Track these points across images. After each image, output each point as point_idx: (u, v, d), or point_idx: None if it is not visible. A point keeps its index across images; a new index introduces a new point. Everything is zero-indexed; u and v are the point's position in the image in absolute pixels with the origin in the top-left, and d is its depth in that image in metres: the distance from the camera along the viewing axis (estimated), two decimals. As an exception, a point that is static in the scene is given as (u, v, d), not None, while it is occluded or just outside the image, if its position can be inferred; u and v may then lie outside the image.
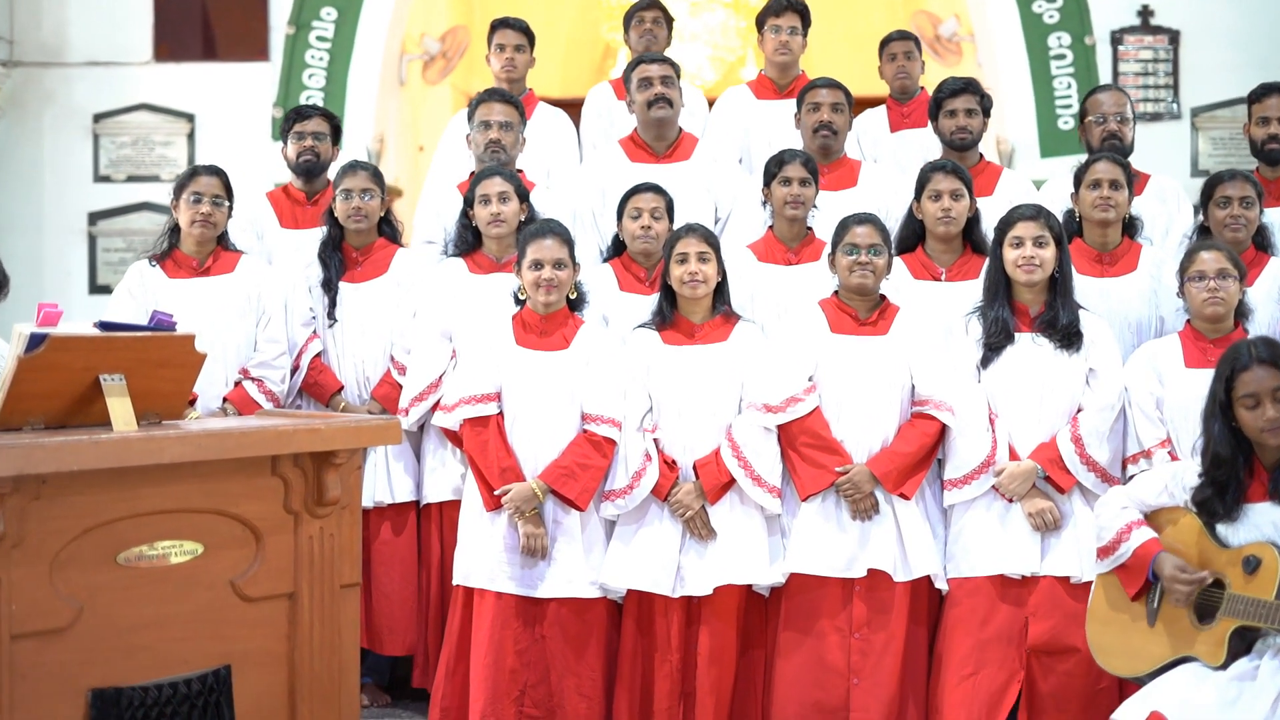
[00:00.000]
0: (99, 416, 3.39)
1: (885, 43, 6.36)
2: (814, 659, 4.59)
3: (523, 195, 5.16)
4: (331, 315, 5.26)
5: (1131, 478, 4.44)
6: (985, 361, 4.63)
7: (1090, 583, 4.25)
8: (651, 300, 4.85)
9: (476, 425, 4.66)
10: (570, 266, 4.71)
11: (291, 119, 5.63)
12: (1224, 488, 3.68)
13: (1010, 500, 4.57)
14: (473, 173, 5.47)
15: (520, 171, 5.50)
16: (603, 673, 4.66)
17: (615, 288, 5.04)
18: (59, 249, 9.15)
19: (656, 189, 5.03)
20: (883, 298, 4.71)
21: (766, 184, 5.07)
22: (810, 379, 4.64)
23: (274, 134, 8.31)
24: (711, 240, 4.71)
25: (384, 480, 5.12)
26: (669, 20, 6.40)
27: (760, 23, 6.16)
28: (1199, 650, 3.67)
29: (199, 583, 3.45)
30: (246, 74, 9.12)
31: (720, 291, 4.74)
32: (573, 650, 4.62)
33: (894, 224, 5.05)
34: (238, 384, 5.11)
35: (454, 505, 4.96)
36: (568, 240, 4.74)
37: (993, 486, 4.58)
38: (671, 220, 5.02)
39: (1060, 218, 4.81)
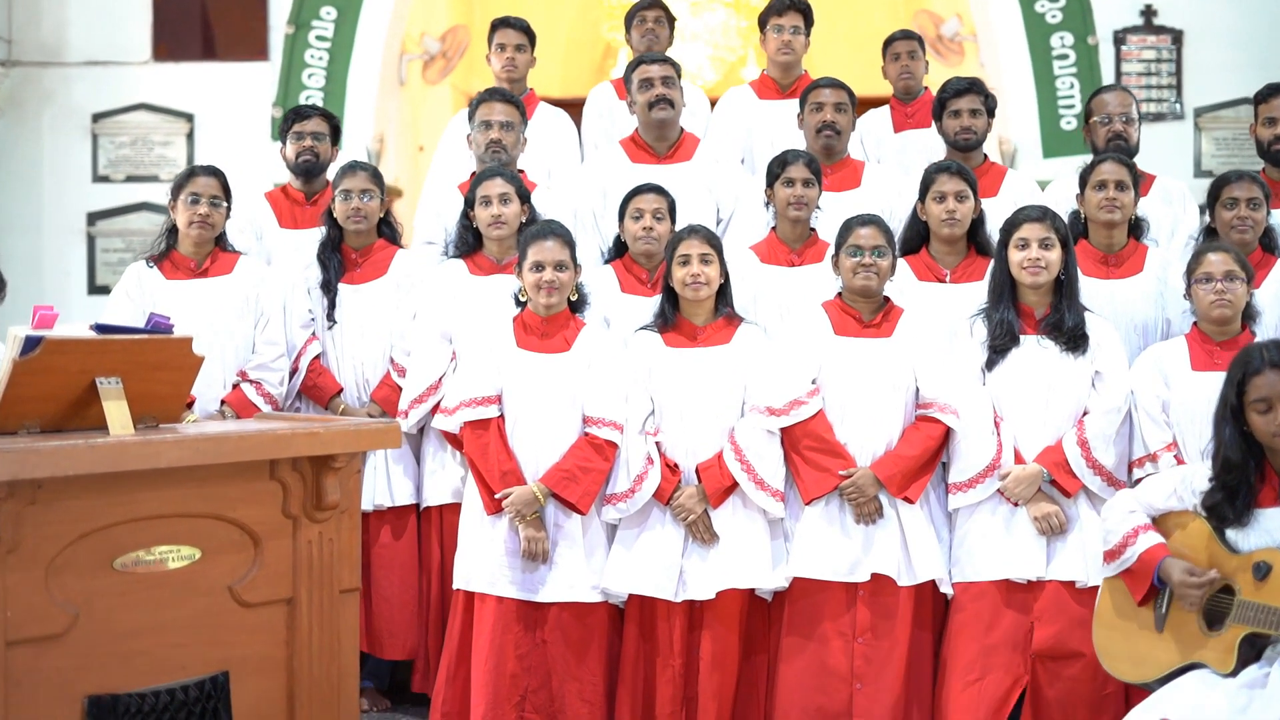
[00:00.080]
0: (95, 420, 3.35)
1: (889, 42, 6.33)
2: (817, 664, 4.56)
3: (524, 196, 5.12)
4: (331, 317, 5.23)
5: (1138, 481, 4.42)
6: (990, 364, 4.59)
7: (1096, 587, 4.23)
8: (653, 302, 4.81)
9: (477, 428, 4.63)
10: (572, 268, 4.68)
11: (290, 119, 5.60)
12: (1235, 492, 3.64)
13: (1015, 504, 4.53)
14: (473, 173, 5.43)
15: (522, 172, 5.47)
16: (604, 678, 4.63)
17: (617, 289, 5.01)
18: (58, 249, 9.12)
19: (658, 190, 5.00)
20: (886, 300, 4.68)
21: (769, 185, 5.04)
22: (813, 381, 4.60)
23: (273, 134, 8.29)
24: (714, 242, 4.68)
25: (384, 483, 5.09)
26: (671, 20, 6.37)
27: (762, 22, 6.13)
28: (1208, 657, 3.63)
29: (196, 588, 3.41)
30: (246, 74, 9.09)
31: (723, 293, 4.71)
32: (574, 655, 4.59)
33: (897, 225, 5.02)
34: (236, 386, 5.08)
35: (454, 508, 4.93)
36: (569, 242, 4.71)
37: (998, 490, 4.55)
38: (673, 221, 4.99)
39: (1065, 219, 4.77)
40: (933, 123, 5.62)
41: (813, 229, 5.07)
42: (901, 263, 4.84)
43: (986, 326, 4.61)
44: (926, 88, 6.21)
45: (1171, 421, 4.52)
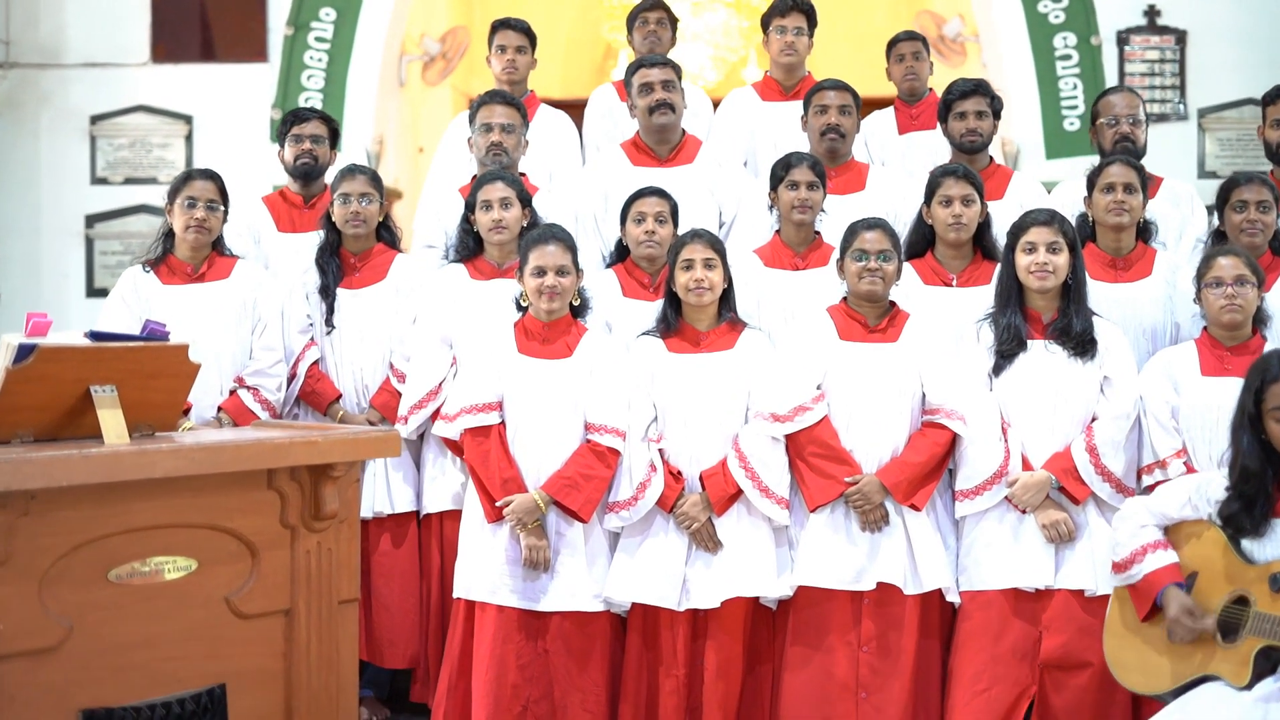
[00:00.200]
0: (90, 429, 3.31)
1: (893, 44, 6.29)
2: (822, 673, 4.51)
3: (525, 200, 5.07)
4: (329, 322, 5.17)
5: (1147, 488, 4.38)
6: (997, 369, 4.54)
7: (1105, 595, 4.19)
8: (655, 307, 4.76)
9: (478, 435, 4.58)
10: (573, 273, 4.63)
11: (289, 122, 5.55)
12: (1252, 502, 3.60)
13: (1023, 511, 4.49)
14: (474, 176, 5.38)
15: (523, 175, 5.42)
16: (607, 687, 4.58)
17: (618, 294, 4.96)
18: (56, 252, 9.08)
19: (660, 193, 4.95)
20: (892, 304, 4.63)
21: (773, 187, 4.99)
22: (818, 387, 4.56)
23: (273, 135, 8.25)
24: (717, 246, 4.63)
25: (383, 491, 5.04)
26: (673, 21, 6.32)
27: (765, 23, 6.08)
28: (1222, 669, 3.58)
29: (193, 600, 3.37)
30: (245, 75, 9.05)
31: (726, 298, 4.66)
32: (576, 664, 4.54)
33: (902, 228, 4.97)
34: (233, 393, 5.03)
35: (454, 515, 4.88)
36: (571, 246, 4.66)
37: (1005, 498, 4.50)
38: (676, 225, 4.94)
39: (1072, 221, 4.72)
40: (938, 124, 5.57)
41: (817, 232, 5.02)
42: (907, 267, 4.79)
43: (993, 331, 4.56)
44: (931, 89, 6.17)
45: (1181, 428, 4.47)
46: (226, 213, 5.12)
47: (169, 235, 5.09)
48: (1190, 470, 4.38)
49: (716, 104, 6.25)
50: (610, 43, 12.30)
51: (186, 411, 4.61)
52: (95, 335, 3.39)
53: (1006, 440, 4.51)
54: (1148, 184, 4.98)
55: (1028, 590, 4.46)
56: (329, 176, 5.49)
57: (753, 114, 5.98)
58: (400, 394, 5.07)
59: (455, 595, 4.66)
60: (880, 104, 6.29)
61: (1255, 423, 3.61)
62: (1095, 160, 5.29)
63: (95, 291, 8.89)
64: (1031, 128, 8.83)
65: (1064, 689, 4.43)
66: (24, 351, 3.19)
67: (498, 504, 4.51)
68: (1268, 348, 4.40)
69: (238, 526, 3.45)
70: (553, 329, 4.63)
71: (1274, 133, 5.45)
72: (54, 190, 9.07)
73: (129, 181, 9.06)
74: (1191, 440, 4.45)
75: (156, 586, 3.31)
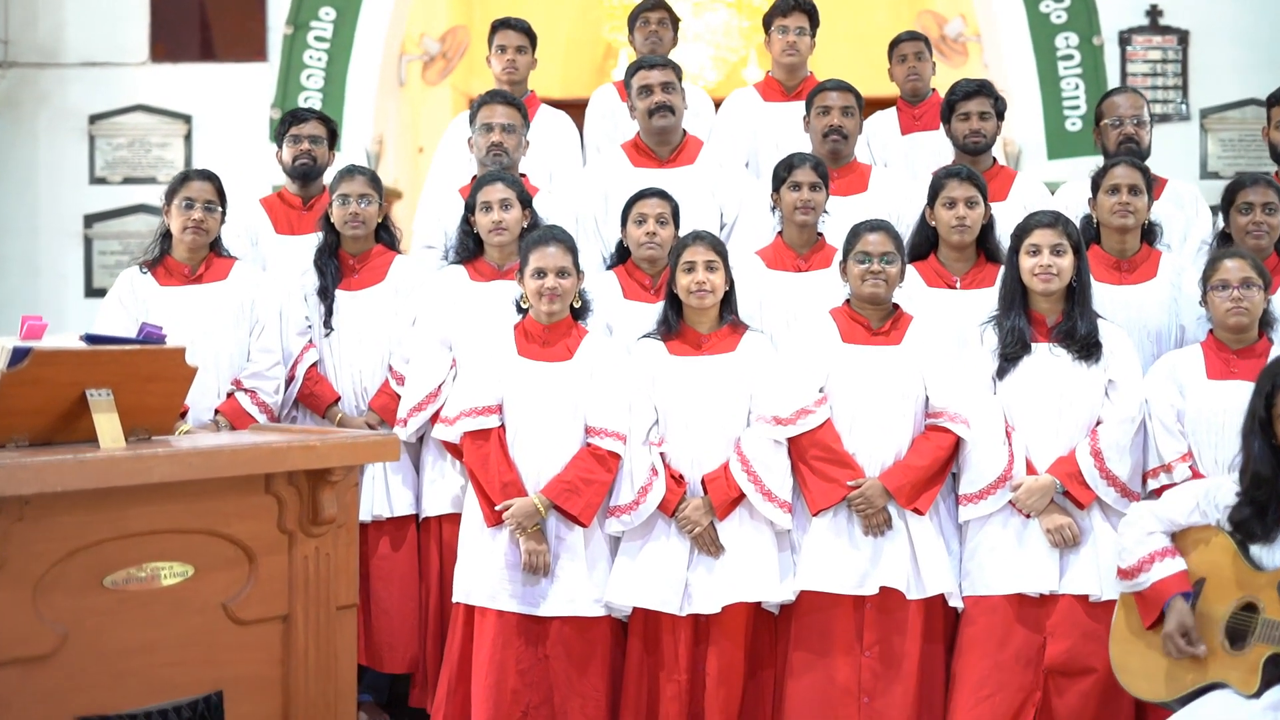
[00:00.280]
0: (86, 433, 3.28)
1: (895, 44, 6.25)
2: (825, 679, 4.48)
3: (525, 201, 5.04)
4: (328, 324, 5.14)
5: (1153, 493, 4.35)
6: (1001, 373, 4.50)
7: (1110, 601, 4.16)
8: (656, 309, 4.73)
9: (477, 438, 4.55)
10: (574, 275, 4.60)
11: (287, 122, 5.52)
12: (1264, 508, 3.57)
13: (1028, 516, 4.45)
14: (474, 177, 5.35)
15: (524, 176, 5.38)
16: (607, 693, 4.55)
17: (619, 296, 4.93)
18: (54, 252, 9.06)
19: (662, 194, 4.92)
20: (895, 307, 4.60)
21: (776, 189, 4.96)
22: (821, 390, 4.52)
23: (272, 135, 8.22)
24: (719, 248, 4.60)
25: (382, 494, 5.00)
26: (675, 21, 6.28)
27: (767, 23, 6.04)
28: (1230, 677, 3.55)
29: (189, 605, 3.34)
30: (244, 75, 9.03)
31: (727, 300, 4.63)
32: (576, 670, 4.51)
33: (905, 229, 4.94)
34: (230, 395, 4.99)
35: (454, 519, 4.84)
36: (571, 248, 4.63)
37: (1009, 502, 4.46)
38: (677, 226, 4.91)
39: (1077, 223, 4.69)
40: (941, 125, 5.54)
41: (820, 234, 4.99)
42: (911, 269, 4.76)
43: (997, 334, 4.53)
44: (934, 89, 6.14)
45: (1186, 431, 4.44)
46: (224, 214, 5.08)
47: (166, 236, 5.05)
48: (1196, 474, 4.35)
49: (718, 104, 6.22)
50: (610, 43, 12.29)
51: (183, 414, 4.57)
52: (91, 338, 3.36)
53: (1010, 444, 4.48)
54: (1153, 185, 4.94)
55: (1032, 595, 4.43)
56: (328, 177, 5.45)
57: (754, 115, 5.94)
58: (399, 396, 5.04)
59: (454, 600, 4.63)
60: (882, 104, 6.25)
61: (1266, 428, 3.58)
62: (1097, 161, 5.27)
63: (94, 292, 8.87)
64: (1033, 128, 8.81)
65: (1068, 694, 4.39)
66: (19, 355, 3.15)
67: (497, 508, 4.48)
68: (1274, 351, 4.38)
69: (235, 532, 3.41)
70: (553, 331, 4.60)
71: (1279, 134, 5.41)
72: (52, 190, 9.05)
73: (128, 181, 9.04)
74: (1197, 444, 4.41)
75: (152, 592, 3.27)
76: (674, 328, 4.62)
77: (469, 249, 5.09)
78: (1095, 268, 4.72)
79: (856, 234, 4.56)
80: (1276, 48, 8.66)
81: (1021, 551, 4.44)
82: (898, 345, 4.54)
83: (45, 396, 3.23)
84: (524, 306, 4.65)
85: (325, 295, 5.13)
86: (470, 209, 5.05)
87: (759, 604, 4.55)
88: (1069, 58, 8.81)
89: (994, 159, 5.51)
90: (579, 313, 4.67)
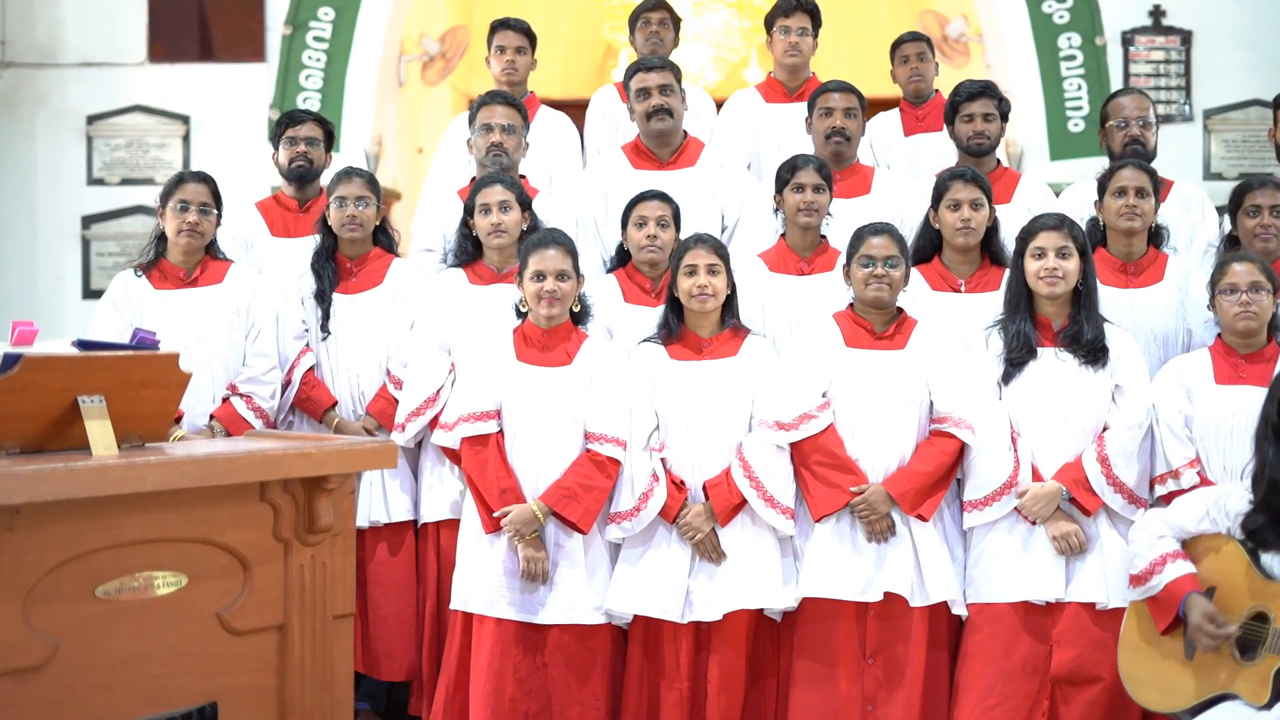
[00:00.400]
0: (78, 440, 3.21)
1: (897, 45, 6.20)
2: (828, 686, 4.43)
3: (525, 203, 4.99)
4: (325, 328, 5.09)
5: (1160, 499, 4.30)
6: (1007, 377, 4.46)
7: (1118, 609, 4.12)
8: (657, 312, 4.68)
9: (475, 444, 4.50)
10: (574, 278, 4.55)
11: (283, 124, 5.47)
12: (1277, 515, 3.51)
13: (1033, 523, 4.40)
14: (473, 178, 5.30)
15: (523, 178, 5.34)
16: (607, 702, 4.50)
17: (619, 299, 4.88)
18: (52, 253, 9.05)
19: (662, 196, 4.87)
20: (899, 311, 4.55)
21: (778, 190, 4.91)
22: (824, 395, 4.48)
23: (270, 136, 8.21)
24: (721, 251, 4.55)
25: (380, 499, 4.95)
26: (676, 21, 6.23)
27: (769, 23, 6.00)
28: (1240, 688, 3.51)
29: (183, 615, 3.27)
30: (242, 75, 9.02)
31: (729, 304, 4.58)
32: (576, 678, 4.46)
33: (909, 232, 4.90)
34: (226, 400, 4.94)
35: (452, 525, 4.80)
36: (571, 251, 4.58)
37: (1015, 509, 4.41)
38: (678, 229, 4.86)
39: (1082, 226, 4.64)
40: (944, 126, 5.49)
41: (823, 236, 4.94)
42: (915, 272, 4.71)
43: (1003, 339, 4.48)
44: (937, 90, 6.09)
45: (1194, 437, 4.40)
46: (220, 216, 5.04)
47: (161, 239, 5.02)
48: (1204, 480, 4.31)
49: (719, 105, 6.17)
50: (611, 43, 12.27)
51: (178, 420, 4.53)
52: (83, 344, 3.32)
53: (1016, 450, 4.43)
54: (1160, 187, 4.90)
55: (1038, 603, 4.39)
56: (325, 179, 5.41)
57: (756, 116, 5.89)
58: (397, 401, 4.99)
59: (452, 607, 4.58)
60: (884, 105, 6.21)
61: (1279, 434, 3.53)
62: (1100, 162, 5.24)
63: (91, 293, 8.86)
64: (1036, 129, 8.80)
65: (1074, 704, 4.35)
66: (9, 361, 3.10)
67: (495, 514, 4.43)
68: (1283, 355, 4.34)
69: (229, 540, 3.35)
70: (552, 336, 4.55)
71: (1287, 135, 5.38)
72: (50, 191, 9.04)
73: (126, 182, 9.04)
74: (1205, 450, 4.37)
75: (146, 602, 3.21)
76: (675, 332, 4.57)
77: (468, 251, 5.04)
78: (1101, 271, 4.67)
79: (860, 237, 4.51)
80: (1279, 48, 8.63)
81: (1027, 559, 4.39)
82: (902, 350, 4.49)
83: (36, 403, 3.17)
84: (523, 310, 4.60)
85: (322, 299, 5.09)
86: (469, 211, 5.01)
87: (761, 611, 4.50)
88: (1071, 58, 8.78)
89: (998, 160, 5.47)
90: (579, 317, 4.62)
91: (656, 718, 4.50)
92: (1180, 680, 3.65)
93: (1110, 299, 4.65)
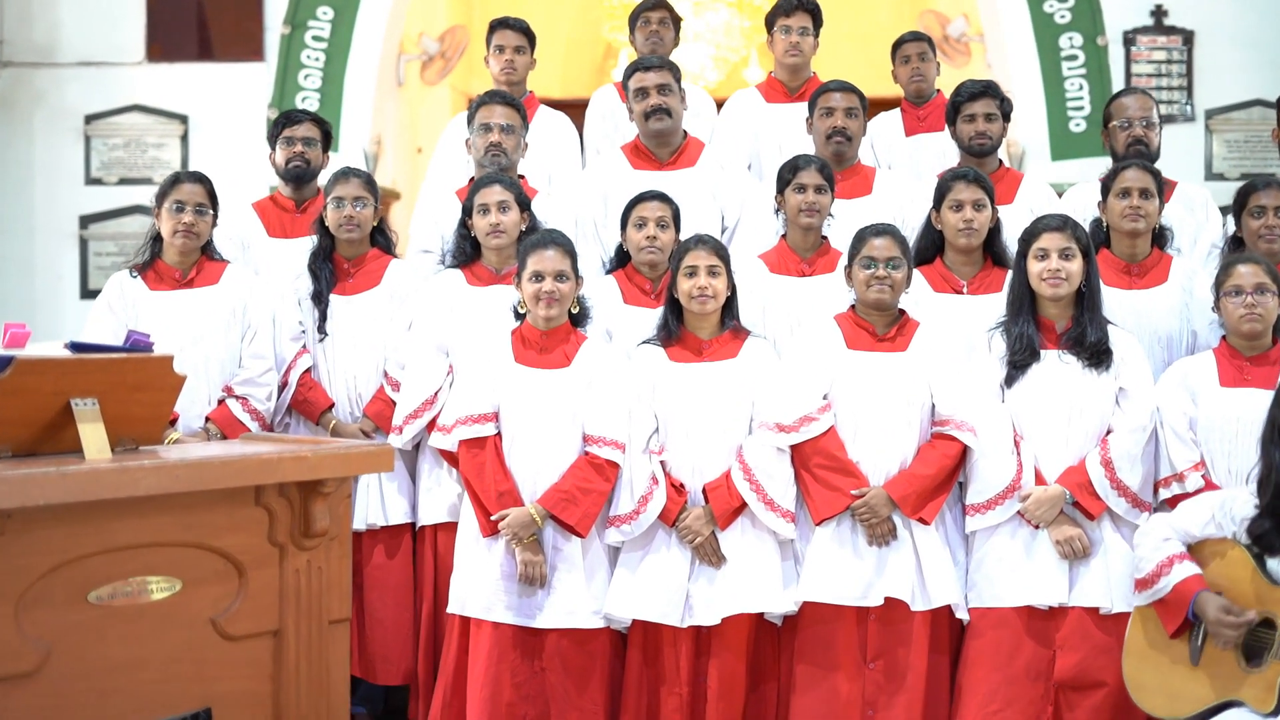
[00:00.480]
0: (70, 443, 3.18)
1: (898, 45, 6.17)
2: (829, 691, 4.39)
3: (523, 204, 4.95)
4: (322, 329, 5.04)
5: (1164, 502, 4.27)
6: (1010, 380, 4.42)
7: (1121, 614, 4.08)
8: (656, 314, 4.64)
9: (473, 447, 4.47)
10: (573, 279, 4.51)
11: (280, 124, 5.43)
12: None
13: (1036, 527, 4.36)
14: (472, 178, 5.27)
15: (522, 178, 5.30)
16: (606, 706, 4.47)
17: (619, 301, 4.84)
18: (50, 253, 9.04)
19: (662, 197, 4.84)
20: (901, 313, 4.51)
21: (780, 191, 4.88)
22: (825, 397, 4.45)
23: (268, 136, 8.19)
24: (722, 253, 4.52)
25: (377, 502, 4.91)
26: (676, 21, 6.19)
27: (769, 23, 5.96)
28: (1247, 695, 3.47)
29: (177, 621, 3.24)
30: (241, 74, 9.00)
31: (729, 306, 4.55)
32: (574, 683, 4.43)
33: (910, 232, 4.87)
34: (221, 402, 4.90)
35: (450, 528, 4.76)
36: (570, 251, 4.54)
37: (1018, 513, 4.37)
38: (678, 230, 4.83)
39: (1086, 226, 4.60)
40: (946, 127, 5.45)
41: (825, 237, 4.91)
42: (917, 274, 4.67)
43: (1005, 341, 4.45)
44: (939, 90, 6.06)
45: (1199, 440, 4.36)
46: (216, 216, 5.00)
47: (157, 239, 4.98)
48: (1209, 484, 4.27)
49: (719, 105, 6.13)
50: (611, 42, 12.25)
51: (173, 422, 4.50)
52: (76, 346, 3.28)
53: (1019, 453, 4.39)
54: (1164, 188, 4.86)
55: (1041, 608, 4.35)
56: (322, 179, 5.37)
57: (757, 116, 5.86)
58: (394, 403, 4.95)
59: (449, 610, 4.54)
60: (885, 105, 6.18)
61: None
62: (1102, 162, 5.21)
63: (89, 293, 8.84)
64: (1037, 129, 8.78)
65: (1078, 709, 4.31)
66: (1, 364, 3.07)
67: (493, 518, 4.40)
68: (1289, 357, 4.30)
69: (224, 545, 3.32)
70: (551, 338, 4.52)
71: (1288, 136, 5.34)
72: (48, 190, 9.02)
73: (123, 182, 9.03)
74: (1210, 453, 4.33)
75: (139, 608, 3.18)
76: (674, 333, 4.54)
77: (466, 252, 5.01)
78: (1105, 272, 4.63)
79: (862, 238, 4.48)
80: (1282, 48, 8.63)
81: (1030, 563, 4.35)
82: (903, 352, 4.46)
83: (28, 406, 3.14)
84: (521, 312, 4.57)
85: (319, 300, 5.04)
86: (468, 211, 4.97)
87: (761, 615, 4.47)
88: (1073, 58, 8.76)
89: (1000, 161, 5.44)
90: (577, 319, 4.59)
91: (656, 723, 4.47)
92: (1186, 686, 3.62)
93: (1114, 300, 4.61)
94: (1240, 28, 8.74)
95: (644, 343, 4.59)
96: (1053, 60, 8.77)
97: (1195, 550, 3.71)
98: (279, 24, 8.89)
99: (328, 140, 5.51)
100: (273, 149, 5.46)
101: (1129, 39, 8.82)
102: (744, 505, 4.42)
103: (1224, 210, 5.28)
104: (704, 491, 4.45)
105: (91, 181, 9.03)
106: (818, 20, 5.92)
